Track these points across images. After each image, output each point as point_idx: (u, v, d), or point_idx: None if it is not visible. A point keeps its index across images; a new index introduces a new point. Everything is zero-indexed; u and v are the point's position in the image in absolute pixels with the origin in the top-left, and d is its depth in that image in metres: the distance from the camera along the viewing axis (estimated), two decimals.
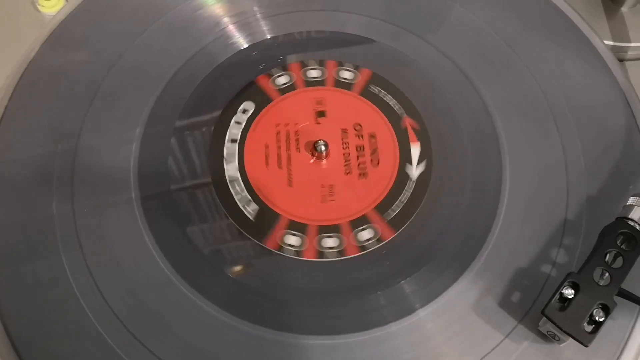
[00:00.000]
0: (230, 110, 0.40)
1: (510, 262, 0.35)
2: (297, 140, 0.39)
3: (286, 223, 0.37)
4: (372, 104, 0.41)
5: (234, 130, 0.40)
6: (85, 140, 0.38)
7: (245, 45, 0.43)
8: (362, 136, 0.39)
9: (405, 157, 0.39)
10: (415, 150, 0.39)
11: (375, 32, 0.43)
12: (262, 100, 0.41)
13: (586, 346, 0.30)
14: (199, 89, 0.41)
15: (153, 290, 0.34)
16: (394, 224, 0.37)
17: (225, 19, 0.43)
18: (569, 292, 0.31)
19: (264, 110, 0.40)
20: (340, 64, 0.42)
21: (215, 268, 0.35)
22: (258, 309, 0.34)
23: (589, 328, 0.30)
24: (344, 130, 0.40)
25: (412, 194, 0.38)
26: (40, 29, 0.42)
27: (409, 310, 0.33)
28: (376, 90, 0.41)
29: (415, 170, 0.38)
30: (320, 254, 0.36)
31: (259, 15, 0.44)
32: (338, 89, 0.41)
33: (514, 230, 0.36)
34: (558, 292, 0.31)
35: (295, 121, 0.40)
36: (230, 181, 0.38)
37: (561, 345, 0.32)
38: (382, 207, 0.37)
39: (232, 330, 0.33)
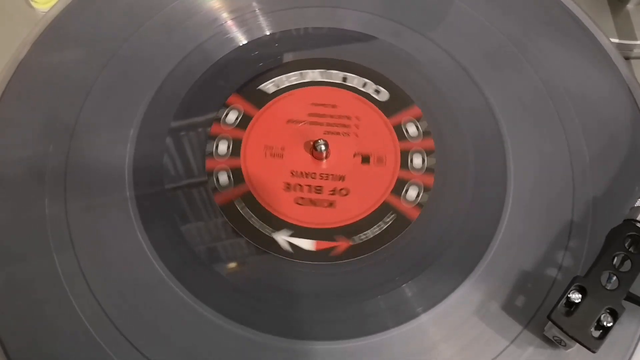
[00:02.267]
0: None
1: (514, 265, 0.34)
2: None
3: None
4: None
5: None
6: (79, 139, 0.38)
7: (244, 42, 0.42)
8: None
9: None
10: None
11: (375, 29, 0.43)
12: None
13: (594, 352, 0.29)
14: (195, 87, 0.40)
15: (147, 292, 0.33)
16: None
17: (223, 15, 0.43)
18: (575, 297, 0.30)
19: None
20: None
21: (210, 269, 0.34)
22: (253, 312, 0.33)
23: (596, 333, 0.29)
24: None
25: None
26: (33, 26, 0.41)
27: (410, 315, 0.33)
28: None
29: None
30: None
31: (257, 12, 0.43)
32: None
33: (518, 232, 0.35)
34: (565, 297, 0.30)
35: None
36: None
37: (567, 351, 0.31)
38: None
39: (227, 333, 0.32)
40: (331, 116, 0.39)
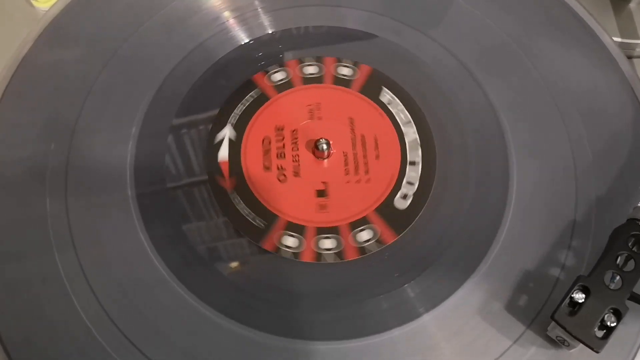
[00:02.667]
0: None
1: (517, 265, 0.34)
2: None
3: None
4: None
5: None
6: (80, 137, 0.37)
7: (245, 41, 0.42)
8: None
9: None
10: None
11: (376, 27, 0.42)
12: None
13: (597, 352, 0.29)
14: (196, 86, 0.40)
15: (148, 291, 0.33)
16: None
17: (224, 14, 0.43)
18: (579, 296, 0.30)
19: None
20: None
21: (211, 269, 0.34)
22: (254, 312, 0.33)
23: (600, 333, 0.29)
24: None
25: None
26: (34, 24, 0.41)
27: (412, 315, 0.32)
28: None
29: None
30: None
31: (259, 10, 0.43)
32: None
33: (521, 231, 0.35)
34: (568, 296, 0.30)
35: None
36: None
37: (571, 351, 0.31)
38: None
39: (227, 332, 0.32)
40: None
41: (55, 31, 0.41)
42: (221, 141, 0.38)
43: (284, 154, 0.38)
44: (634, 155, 0.37)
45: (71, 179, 0.36)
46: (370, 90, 0.40)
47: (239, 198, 0.36)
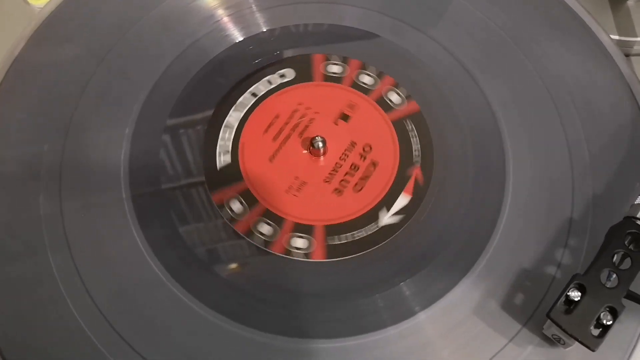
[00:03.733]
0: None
1: (513, 263, 0.34)
2: (294, 137, 0.38)
3: (263, 212, 0.36)
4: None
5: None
6: (74, 137, 0.37)
7: (240, 39, 0.42)
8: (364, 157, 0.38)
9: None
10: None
11: (374, 26, 0.42)
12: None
13: (593, 351, 0.29)
14: (191, 84, 0.40)
15: (143, 292, 0.33)
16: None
17: (219, 11, 0.42)
18: (575, 295, 0.30)
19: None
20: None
21: (207, 269, 0.34)
22: (251, 312, 0.33)
23: (596, 332, 0.29)
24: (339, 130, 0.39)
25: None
26: (28, 22, 0.40)
27: (408, 314, 0.32)
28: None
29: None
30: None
31: (254, 7, 0.43)
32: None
33: (518, 230, 0.35)
34: (564, 295, 0.30)
35: (290, 117, 0.39)
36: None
37: (567, 349, 0.31)
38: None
39: (225, 333, 0.32)
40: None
41: (49, 29, 0.40)
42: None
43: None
44: (631, 153, 0.37)
45: (65, 179, 0.36)
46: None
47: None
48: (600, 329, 0.29)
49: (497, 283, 0.33)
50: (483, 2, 0.43)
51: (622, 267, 0.31)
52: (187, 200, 0.36)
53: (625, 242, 0.31)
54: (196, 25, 0.42)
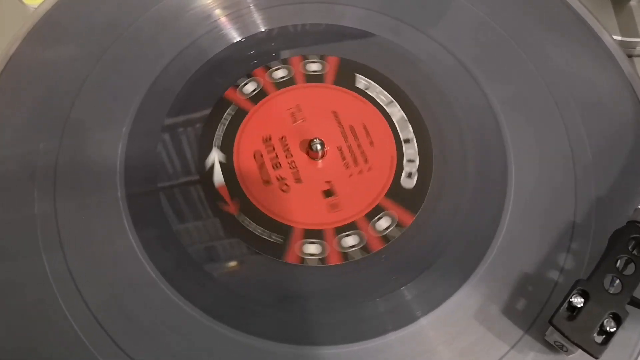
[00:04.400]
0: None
1: (515, 268, 0.33)
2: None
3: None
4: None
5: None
6: (70, 136, 0.37)
7: (238, 39, 0.41)
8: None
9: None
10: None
11: (374, 25, 0.42)
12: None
13: (596, 358, 0.29)
14: (189, 83, 0.39)
15: (137, 293, 0.33)
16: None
17: (217, 11, 0.42)
18: (578, 301, 0.29)
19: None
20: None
21: (202, 271, 0.33)
22: (246, 315, 0.32)
23: (599, 339, 0.29)
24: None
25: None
26: (23, 21, 0.40)
27: (409, 319, 0.32)
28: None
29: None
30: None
31: (252, 7, 0.42)
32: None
33: (519, 234, 0.34)
34: (566, 301, 0.29)
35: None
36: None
37: (569, 356, 0.31)
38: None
39: (220, 336, 0.32)
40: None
41: (45, 28, 0.40)
42: (212, 167, 0.37)
43: (280, 164, 0.37)
44: (635, 155, 0.36)
45: (61, 178, 0.36)
46: (344, 80, 0.40)
47: (248, 220, 0.35)
48: (604, 336, 0.29)
49: (498, 288, 0.33)
50: (484, 1, 0.43)
51: (626, 272, 0.30)
52: (182, 199, 0.36)
53: (629, 247, 0.31)
54: (194, 24, 0.41)
